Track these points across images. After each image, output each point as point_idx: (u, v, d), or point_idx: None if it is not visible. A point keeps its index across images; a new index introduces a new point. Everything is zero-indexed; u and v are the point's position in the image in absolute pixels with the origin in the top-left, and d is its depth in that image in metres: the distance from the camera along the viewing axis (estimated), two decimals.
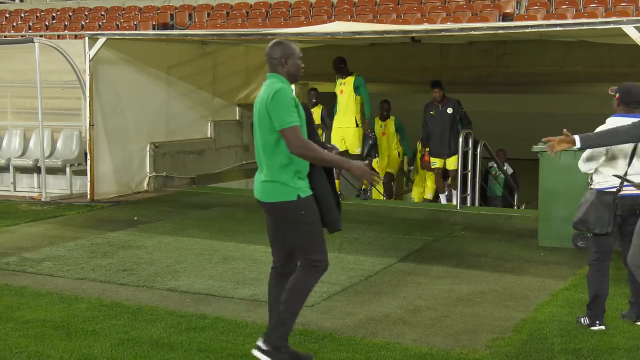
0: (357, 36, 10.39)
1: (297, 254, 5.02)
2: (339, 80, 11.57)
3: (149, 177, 12.63)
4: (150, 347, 5.29)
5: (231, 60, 14.30)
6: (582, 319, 5.68)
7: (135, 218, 10.18)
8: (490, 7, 14.96)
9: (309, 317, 5.98)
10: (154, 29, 17.68)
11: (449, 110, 11.53)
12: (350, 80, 11.40)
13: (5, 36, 18.34)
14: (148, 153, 12.57)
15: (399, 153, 13.03)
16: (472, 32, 9.92)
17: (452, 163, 11.64)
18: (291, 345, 5.02)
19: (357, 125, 11.47)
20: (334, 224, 5.07)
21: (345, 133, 11.51)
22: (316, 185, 4.90)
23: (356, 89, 11.39)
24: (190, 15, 18.19)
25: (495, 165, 13.15)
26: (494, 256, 8.18)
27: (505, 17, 14.69)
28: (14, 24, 20.04)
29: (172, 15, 18.39)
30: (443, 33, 10.28)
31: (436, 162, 11.87)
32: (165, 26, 18.01)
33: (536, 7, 14.65)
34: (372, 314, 6.07)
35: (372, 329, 5.71)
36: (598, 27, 9.04)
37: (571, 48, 12.77)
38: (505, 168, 13.19)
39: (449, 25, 12.90)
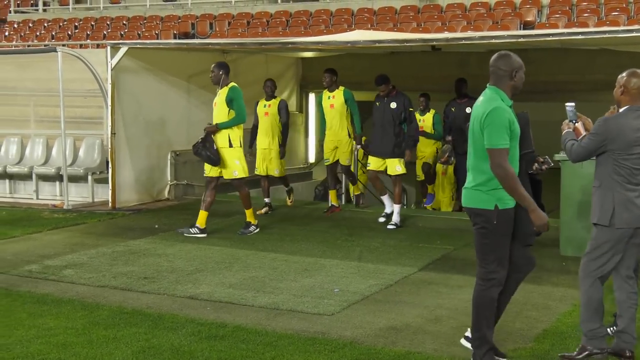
0: (377, 45, 10.38)
1: (477, 263, 5.04)
2: (327, 94, 11.04)
3: (170, 185, 12.68)
4: (171, 354, 5.31)
5: (251, 69, 14.34)
6: (610, 329, 5.62)
7: (156, 226, 10.23)
8: (511, 16, 14.91)
9: (328, 325, 5.98)
10: (175, 38, 17.80)
11: (393, 105, 10.24)
12: (339, 93, 10.97)
13: (28, 45, 18.55)
14: (169, 161, 12.63)
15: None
16: (493, 41, 9.89)
17: (393, 167, 10.33)
18: (311, 353, 5.01)
19: (349, 137, 11.05)
20: (526, 238, 5.06)
21: (338, 145, 11.07)
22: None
23: (346, 101, 10.92)
24: (211, 24, 18.29)
25: None
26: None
27: (526, 26, 14.64)
28: (37, 34, 20.25)
29: (193, 24, 18.50)
30: (464, 41, 10.26)
31: (371, 163, 10.50)
32: (186, 35, 18.12)
33: (557, 15, 14.58)
34: (393, 323, 6.05)
35: (393, 338, 5.69)
36: (620, 35, 8.98)
37: (593, 56, 12.68)
38: None
39: (470, 33, 12.86)
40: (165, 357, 5.28)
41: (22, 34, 20.55)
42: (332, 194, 11.50)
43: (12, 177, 13.23)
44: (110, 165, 11.66)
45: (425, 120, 12.18)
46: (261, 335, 5.73)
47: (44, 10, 22.29)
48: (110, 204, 11.66)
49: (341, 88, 11.02)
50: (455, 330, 5.85)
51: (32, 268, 7.88)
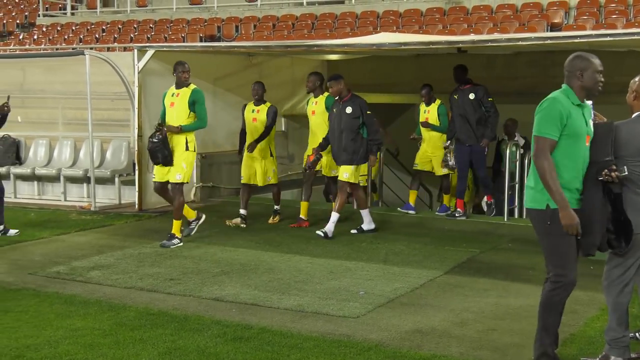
0: (402, 47, 10.35)
1: (545, 264, 5.03)
2: (312, 100, 10.58)
3: (196, 188, 12.74)
4: (197, 356, 5.33)
5: (277, 72, 14.38)
6: (637, 334, 5.55)
7: (182, 228, 10.27)
8: (538, 17, 14.81)
9: (354, 328, 5.97)
10: (201, 40, 17.91)
11: (348, 110, 9.74)
12: (322, 99, 10.49)
13: (57, 49, 18.74)
14: (195, 164, 12.66)
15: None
16: (520, 43, 9.84)
17: (342, 172, 9.83)
18: (336, 356, 5.01)
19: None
20: (586, 248, 4.95)
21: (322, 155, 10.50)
22: (585, 203, 4.84)
23: (327, 109, 10.26)
24: (236, 27, 18.38)
25: (506, 138, 12.01)
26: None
27: (554, 27, 14.53)
28: (65, 37, 20.47)
29: (219, 27, 18.59)
30: (490, 44, 10.20)
31: (338, 173, 10.02)
32: (212, 38, 18.22)
33: (585, 17, 14.46)
34: (418, 326, 6.03)
35: (418, 341, 5.67)
36: None
37: (621, 58, 12.53)
38: (516, 139, 11.94)
39: (496, 35, 12.80)
40: (191, 358, 5.30)
41: (51, 38, 20.78)
42: (303, 206, 10.58)
43: (40, 179, 13.38)
44: (136, 167, 11.74)
45: (431, 111, 11.44)
46: (286, 338, 5.73)
47: (72, 14, 22.52)
48: (136, 206, 11.74)
49: (325, 94, 10.42)
50: (482, 334, 5.82)
51: (60, 269, 7.96)
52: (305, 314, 6.38)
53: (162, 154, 8.98)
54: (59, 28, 21.37)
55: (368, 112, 9.78)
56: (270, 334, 5.82)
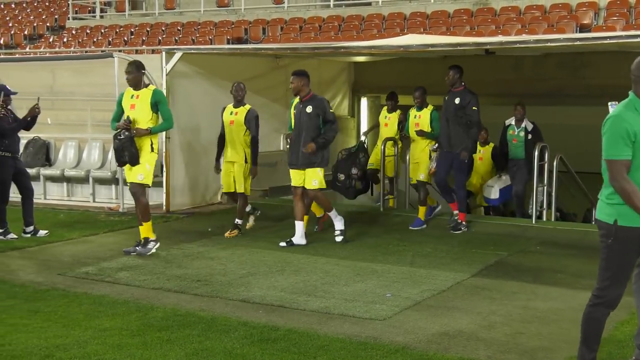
0: (430, 49, 10.31)
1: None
2: (297, 101, 9.69)
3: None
4: (224, 357, 5.35)
5: None
6: None
7: (209, 229, 10.33)
8: (567, 18, 14.68)
9: (380, 330, 5.96)
10: (228, 43, 17.98)
11: (308, 109, 9.16)
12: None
13: (86, 51, 18.93)
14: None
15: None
16: (549, 44, 9.75)
17: (310, 179, 9.24)
18: (363, 358, 4.99)
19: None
20: None
21: None
22: None
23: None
24: (263, 29, 18.44)
25: (513, 123, 11.50)
26: (571, 272, 7.99)
27: (583, 29, 14.40)
28: (95, 40, 20.67)
29: (246, 29, 18.66)
30: (518, 45, 10.13)
31: (292, 179, 9.42)
32: (239, 40, 18.29)
33: (615, 18, 14.30)
34: (445, 329, 6.00)
35: (445, 344, 5.64)
36: None
37: None
38: (524, 125, 11.42)
39: (524, 37, 12.70)
40: (218, 359, 5.32)
41: (80, 40, 21.00)
42: (313, 206, 10.13)
43: (69, 180, 13.52)
44: (164, 169, 11.81)
45: (422, 117, 10.73)
46: (313, 339, 5.73)
47: (101, 17, 22.74)
48: (164, 208, 11.81)
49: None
50: (509, 338, 5.78)
51: (89, 270, 8.03)
52: (331, 315, 6.38)
53: (129, 152, 8.62)
54: (88, 31, 21.59)
55: (331, 110, 9.32)
56: (297, 335, 5.83)
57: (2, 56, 20.27)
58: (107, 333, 5.87)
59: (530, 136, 11.36)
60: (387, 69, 14.42)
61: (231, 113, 10.02)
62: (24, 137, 9.97)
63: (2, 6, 26.44)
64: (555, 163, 11.30)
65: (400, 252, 9.01)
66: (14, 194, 10.09)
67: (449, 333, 5.90)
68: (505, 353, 5.45)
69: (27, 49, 21.73)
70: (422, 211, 10.70)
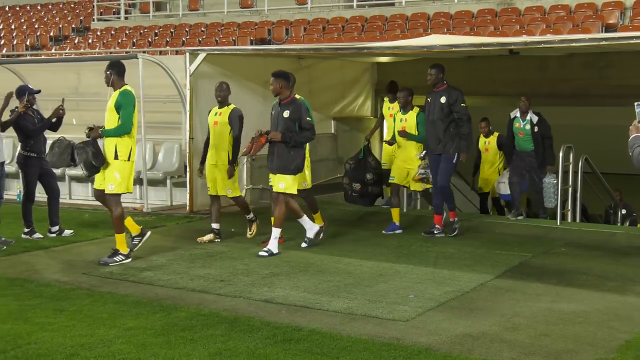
0: (453, 49, 10.28)
1: None
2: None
3: (246, 190, 12.83)
4: (247, 357, 5.36)
5: (327, 74, 14.41)
6: None
7: (233, 229, 10.36)
8: (592, 18, 14.56)
9: (403, 331, 5.94)
10: (251, 44, 18.03)
11: (286, 114, 8.82)
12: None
13: (110, 52, 19.06)
14: (245, 166, 12.78)
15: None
16: (574, 44, 9.68)
17: (277, 182, 8.93)
18: (386, 359, 4.97)
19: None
20: None
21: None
22: None
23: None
24: (286, 30, 18.46)
25: (518, 116, 11.10)
26: (597, 274, 7.92)
27: (609, 28, 14.27)
28: (119, 41, 20.81)
29: (269, 30, 18.70)
30: (543, 45, 10.06)
31: (272, 183, 9.09)
32: (262, 41, 18.33)
33: None
34: (469, 331, 5.97)
35: (469, 345, 5.62)
36: None
37: None
38: (529, 117, 10.99)
39: (549, 37, 12.62)
40: (241, 359, 5.33)
41: (105, 41, 21.16)
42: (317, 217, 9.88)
43: (94, 180, 13.58)
44: (188, 169, 11.87)
45: (408, 120, 10.28)
46: (336, 340, 5.73)
47: (126, 18, 22.89)
48: (188, 208, 11.87)
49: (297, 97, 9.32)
50: (534, 340, 5.74)
51: (113, 269, 8.09)
52: (354, 316, 6.37)
53: (81, 158, 8.42)
54: (112, 32, 21.75)
55: (308, 118, 8.84)
56: (319, 336, 5.83)
57: (28, 57, 20.49)
58: (131, 332, 5.90)
59: (537, 129, 10.97)
60: (410, 70, 14.36)
61: (215, 114, 9.72)
62: (50, 137, 10.04)
63: (28, 8, 26.71)
64: (580, 164, 11.22)
65: (423, 253, 8.99)
66: (40, 194, 10.19)
67: (473, 334, 5.87)
68: (529, 355, 5.41)
69: (53, 50, 21.95)
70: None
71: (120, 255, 8.43)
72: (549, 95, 14.12)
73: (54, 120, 9.83)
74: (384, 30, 16.86)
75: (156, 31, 20.82)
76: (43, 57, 20.13)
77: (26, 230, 9.90)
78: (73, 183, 13.72)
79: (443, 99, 9.55)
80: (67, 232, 10.05)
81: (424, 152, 9.96)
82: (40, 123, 9.88)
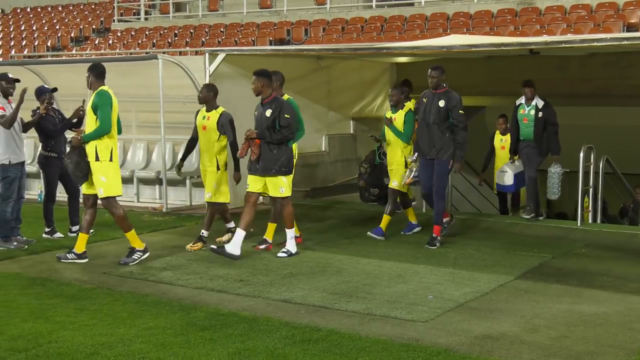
0: (473, 49, 10.24)
1: None
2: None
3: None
4: (266, 357, 5.37)
5: (346, 75, 14.41)
6: None
7: (252, 230, 10.35)
8: (613, 17, 14.45)
9: (422, 332, 5.92)
10: (270, 44, 18.07)
11: (268, 113, 8.58)
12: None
13: (130, 53, 19.17)
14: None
15: None
16: (595, 44, 9.61)
17: (276, 187, 8.71)
18: (404, 359, 4.97)
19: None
20: None
21: None
22: None
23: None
24: (306, 30, 18.47)
25: (523, 103, 10.65)
26: (617, 275, 7.86)
27: (630, 28, 14.15)
28: (139, 41, 20.93)
29: (288, 30, 18.72)
30: (563, 45, 9.99)
31: (249, 184, 8.82)
32: (281, 41, 18.36)
33: None
34: (488, 332, 5.94)
35: (489, 347, 5.59)
36: None
37: None
38: (534, 102, 10.49)
39: (570, 36, 12.54)
40: (260, 359, 5.34)
41: (125, 42, 21.28)
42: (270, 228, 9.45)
43: None
44: None
45: (397, 118, 9.87)
46: (354, 340, 5.72)
47: (146, 19, 23.01)
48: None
49: (285, 96, 9.26)
50: (554, 341, 5.70)
51: (133, 269, 8.13)
52: (373, 317, 6.36)
53: (68, 169, 8.43)
54: (133, 33, 21.87)
55: (287, 115, 8.58)
56: (338, 336, 5.83)
57: (49, 58, 20.64)
58: (151, 332, 5.93)
59: (540, 114, 10.42)
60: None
61: (203, 118, 9.35)
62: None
63: (49, 9, 26.93)
64: (601, 165, 11.13)
65: (442, 253, 8.96)
66: (61, 194, 10.27)
67: (492, 336, 5.85)
68: (549, 357, 5.38)
69: (74, 51, 22.10)
70: (385, 220, 9.81)
71: (137, 253, 8.45)
72: (569, 95, 14.03)
73: (74, 120, 9.90)
74: (403, 30, 16.82)
75: (176, 32, 20.91)
76: (64, 57, 20.27)
77: (47, 229, 9.99)
78: None
79: (442, 103, 9.16)
80: None
81: (416, 155, 9.54)
82: (61, 123, 9.95)
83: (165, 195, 12.24)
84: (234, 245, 8.52)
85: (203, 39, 19.67)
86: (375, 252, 8.96)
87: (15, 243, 9.24)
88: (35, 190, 13.39)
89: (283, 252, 8.78)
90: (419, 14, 17.18)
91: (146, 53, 18.05)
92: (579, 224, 10.59)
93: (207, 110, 9.36)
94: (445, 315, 6.41)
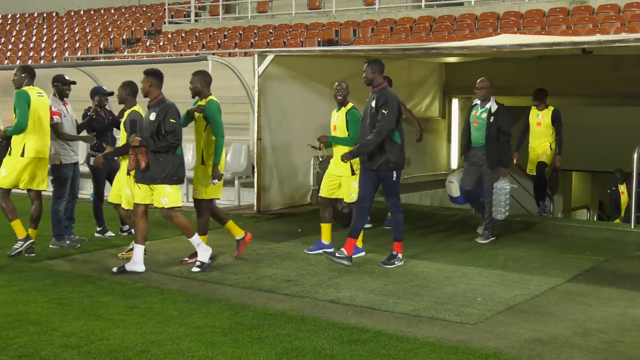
0: (524, 49, 10.09)
1: None
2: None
3: (312, 190, 12.86)
4: (313, 357, 5.37)
5: (393, 75, 14.25)
6: None
7: (299, 230, 10.40)
8: None
9: (471, 335, 5.87)
10: (319, 45, 18.09)
11: (152, 117, 8.01)
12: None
13: (181, 55, 19.38)
14: (311, 167, 12.81)
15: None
16: None
17: (158, 197, 7.93)
18: None
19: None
20: None
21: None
22: None
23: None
24: (354, 31, 18.46)
25: (478, 103, 9.79)
26: None
27: None
28: (189, 43, 21.16)
29: (336, 31, 18.74)
30: (617, 44, 9.79)
31: (136, 195, 8.17)
32: (330, 42, 18.38)
33: None
34: (538, 335, 5.86)
35: (539, 350, 5.51)
36: None
37: None
38: (489, 105, 9.55)
39: (624, 35, 12.29)
40: (308, 359, 5.35)
41: (175, 44, 21.54)
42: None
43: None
44: (255, 170, 11.97)
45: (339, 118, 8.88)
46: (402, 342, 5.70)
47: (196, 21, 23.26)
48: (255, 208, 11.97)
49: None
50: (607, 345, 5.60)
51: (182, 268, 8.22)
52: (421, 318, 6.32)
53: None
54: (183, 34, 22.12)
55: (172, 120, 7.95)
56: (386, 337, 5.80)
57: (102, 60, 21.00)
58: (199, 330, 5.98)
59: (492, 119, 9.39)
60: (479, 70, 14.14)
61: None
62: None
63: (102, 12, 27.41)
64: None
65: (491, 255, 8.87)
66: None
67: (542, 339, 5.76)
68: None
69: (125, 53, 22.45)
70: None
71: (19, 242, 8.63)
72: (623, 95, 13.75)
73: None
74: (452, 30, 16.70)
75: (225, 33, 21.08)
76: (116, 59, 20.60)
77: (98, 229, 10.15)
78: None
79: (373, 103, 8.05)
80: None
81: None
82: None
83: None
84: (137, 262, 8.00)
85: (252, 40, 19.79)
86: (423, 254, 8.91)
87: (68, 242, 9.41)
88: (88, 190, 13.61)
89: (197, 266, 8.02)
90: (469, 14, 17.04)
91: (196, 54, 18.24)
92: (632, 227, 10.37)
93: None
94: (495, 317, 6.34)
